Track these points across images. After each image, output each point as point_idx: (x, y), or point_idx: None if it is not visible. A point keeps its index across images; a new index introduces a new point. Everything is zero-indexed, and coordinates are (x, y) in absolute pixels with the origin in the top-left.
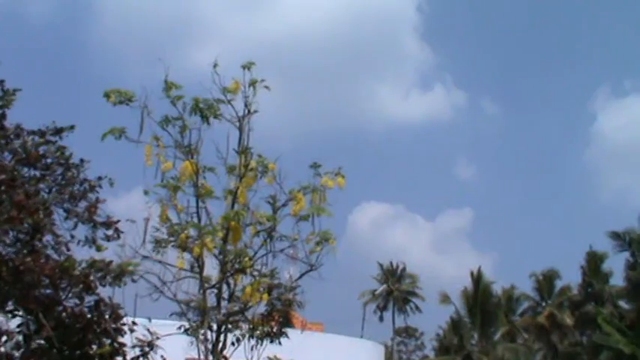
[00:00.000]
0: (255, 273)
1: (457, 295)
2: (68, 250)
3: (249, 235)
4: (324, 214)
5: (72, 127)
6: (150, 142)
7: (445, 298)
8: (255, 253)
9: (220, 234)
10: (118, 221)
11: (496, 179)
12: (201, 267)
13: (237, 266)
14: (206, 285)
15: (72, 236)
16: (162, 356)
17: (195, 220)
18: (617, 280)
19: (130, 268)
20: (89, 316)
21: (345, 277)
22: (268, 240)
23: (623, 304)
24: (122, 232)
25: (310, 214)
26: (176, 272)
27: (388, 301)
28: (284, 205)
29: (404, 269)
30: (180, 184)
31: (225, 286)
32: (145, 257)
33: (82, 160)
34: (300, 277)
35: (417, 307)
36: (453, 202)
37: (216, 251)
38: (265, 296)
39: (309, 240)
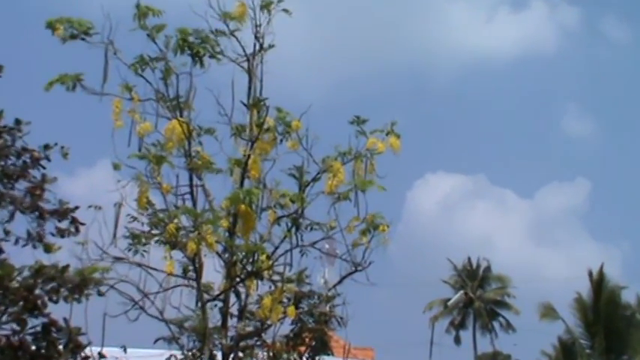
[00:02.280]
0: (276, 277)
1: (568, 306)
2: (1, 252)
3: (266, 223)
4: (371, 189)
5: None
6: (119, 94)
7: (549, 312)
8: (276, 248)
9: (225, 223)
10: (76, 209)
11: (623, 136)
12: (198, 271)
13: (249, 268)
14: (206, 296)
15: (6, 232)
16: None
17: (189, 204)
18: None
19: (96, 275)
20: (34, 347)
21: (403, 280)
22: (294, 230)
23: None
24: (82, 225)
25: (352, 191)
26: (163, 279)
27: (467, 316)
28: (315, 179)
29: (488, 269)
30: (165, 154)
31: (233, 297)
32: (117, 259)
33: (18, 122)
34: (341, 281)
35: (508, 324)
36: (560, 170)
37: (219, 248)
38: (291, 310)
39: (351, 228)
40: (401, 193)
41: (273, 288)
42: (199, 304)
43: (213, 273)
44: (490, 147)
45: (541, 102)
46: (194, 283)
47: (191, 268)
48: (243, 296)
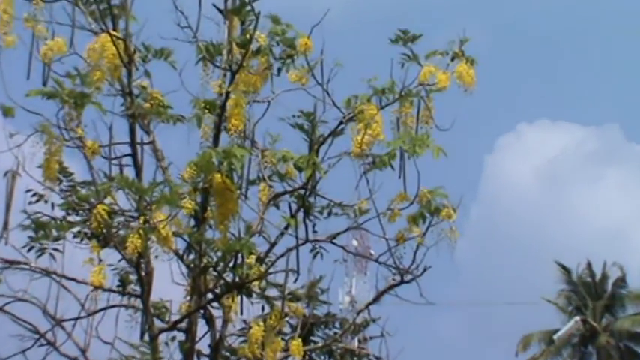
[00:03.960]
0: (273, 293)
1: None
2: None
3: (255, 204)
4: (427, 149)
5: None
6: None
7: None
8: (272, 245)
9: (189, 205)
10: None
11: None
12: (145, 283)
13: (229, 278)
14: (158, 324)
15: None
16: None
17: (130, 173)
18: None
19: None
20: None
21: (479, 297)
22: (301, 215)
23: None
24: None
25: (396, 153)
26: (87, 296)
27: (587, 358)
28: (335, 133)
29: (622, 281)
30: (89, 90)
31: (202, 325)
32: (9, 264)
33: None
34: (378, 299)
35: None
36: None
37: (179, 244)
38: (297, 346)
39: (394, 214)
40: (477, 157)
41: (267, 310)
42: (147, 337)
43: (170, 286)
44: (628, 82)
45: None
46: (138, 303)
47: (134, 277)
48: (218, 323)
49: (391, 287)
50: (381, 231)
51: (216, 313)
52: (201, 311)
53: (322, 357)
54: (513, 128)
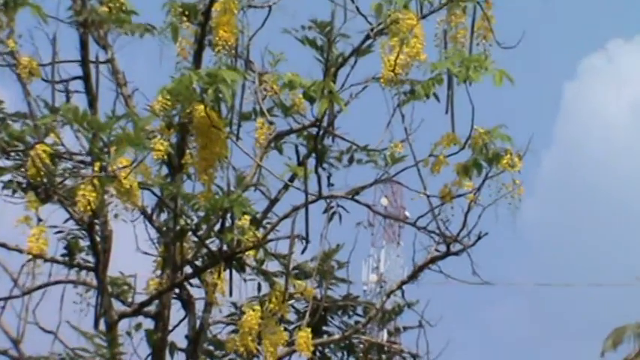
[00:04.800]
0: (274, 268)
1: None
2: None
3: (250, 147)
4: (481, 77)
5: None
6: None
7: None
8: (273, 202)
9: (161, 147)
10: None
11: None
12: (100, 252)
13: (214, 247)
14: (118, 307)
15: None
16: None
17: (82, 103)
18: None
19: None
20: None
21: (551, 278)
22: (312, 161)
23: None
24: None
25: (442, 79)
26: (22, 267)
27: None
28: (358, 51)
29: None
30: None
31: (178, 310)
32: None
33: None
34: (415, 276)
35: None
36: None
37: (147, 200)
38: (304, 338)
39: (438, 162)
40: (553, 86)
41: (265, 289)
42: (103, 324)
43: (135, 256)
44: None
45: None
46: (92, 278)
47: (85, 244)
48: (199, 307)
49: (433, 261)
50: (421, 185)
51: (197, 293)
52: (177, 290)
53: (339, 353)
54: (603, 47)
